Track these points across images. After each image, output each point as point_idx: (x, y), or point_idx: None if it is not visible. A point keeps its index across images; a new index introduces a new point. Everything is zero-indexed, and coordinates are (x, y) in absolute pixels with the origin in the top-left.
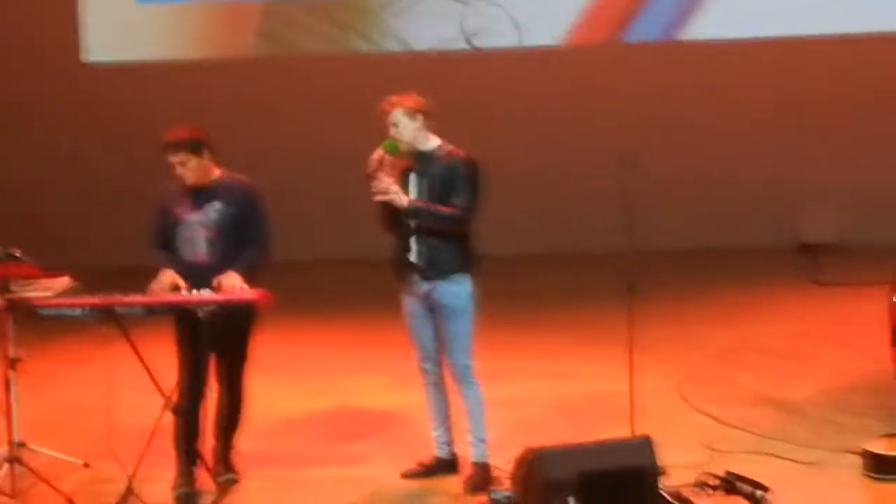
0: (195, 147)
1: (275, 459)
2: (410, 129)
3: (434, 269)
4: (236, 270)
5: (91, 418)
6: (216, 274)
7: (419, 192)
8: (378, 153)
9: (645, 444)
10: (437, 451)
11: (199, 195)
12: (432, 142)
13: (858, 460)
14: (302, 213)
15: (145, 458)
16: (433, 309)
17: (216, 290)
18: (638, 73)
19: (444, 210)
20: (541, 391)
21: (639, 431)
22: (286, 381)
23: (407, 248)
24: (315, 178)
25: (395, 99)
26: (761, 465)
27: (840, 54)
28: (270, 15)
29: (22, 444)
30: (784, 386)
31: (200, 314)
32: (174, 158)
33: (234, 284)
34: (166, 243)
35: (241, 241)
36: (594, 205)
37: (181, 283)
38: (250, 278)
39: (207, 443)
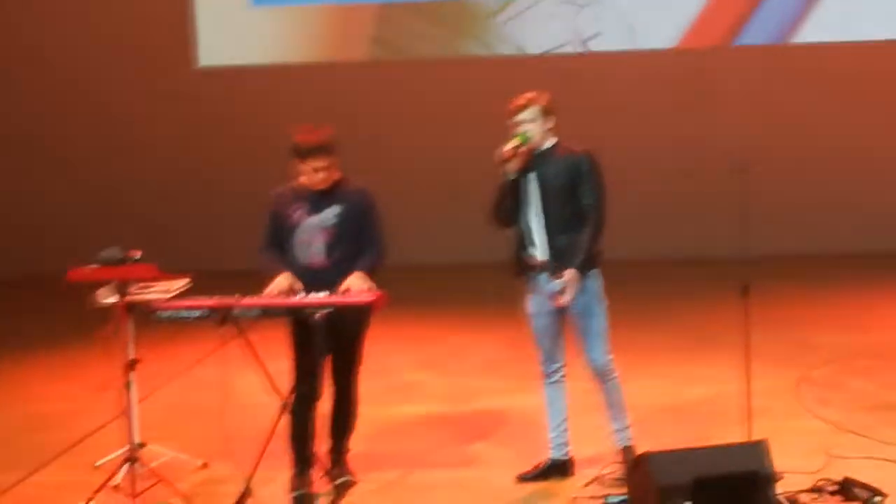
0: (332, 150)
1: (388, 461)
2: (541, 127)
3: (566, 267)
4: (361, 272)
5: (207, 419)
6: (332, 277)
7: (540, 191)
8: (513, 144)
9: (760, 449)
10: (553, 452)
11: (319, 198)
12: (552, 140)
13: None
14: (415, 215)
15: (261, 459)
16: (562, 307)
17: (343, 293)
18: (752, 75)
19: (589, 231)
20: (655, 393)
21: (754, 436)
22: (398, 382)
23: (531, 246)
24: (428, 181)
25: (531, 95)
26: (879, 470)
27: None
28: (384, 19)
29: (141, 445)
30: None
31: (316, 316)
32: (313, 162)
33: (361, 287)
34: (279, 247)
35: (357, 244)
36: (708, 208)
37: (298, 285)
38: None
39: (323, 445)
